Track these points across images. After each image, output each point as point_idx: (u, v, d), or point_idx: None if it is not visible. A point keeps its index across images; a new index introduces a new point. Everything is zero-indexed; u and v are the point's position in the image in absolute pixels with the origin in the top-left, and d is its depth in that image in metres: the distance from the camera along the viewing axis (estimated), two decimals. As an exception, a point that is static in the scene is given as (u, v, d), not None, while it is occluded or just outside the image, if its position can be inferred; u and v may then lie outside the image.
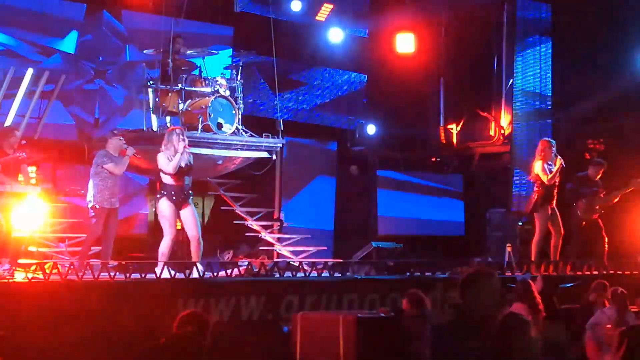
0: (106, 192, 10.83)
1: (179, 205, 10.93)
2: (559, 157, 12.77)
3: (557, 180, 12.85)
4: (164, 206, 10.86)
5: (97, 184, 10.83)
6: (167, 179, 10.93)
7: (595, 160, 13.42)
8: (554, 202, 12.79)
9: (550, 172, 12.66)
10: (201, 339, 5.87)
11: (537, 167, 12.76)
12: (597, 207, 13.21)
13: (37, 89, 13.02)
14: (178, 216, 11.01)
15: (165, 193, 10.89)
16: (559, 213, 12.85)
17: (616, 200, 13.33)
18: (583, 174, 13.35)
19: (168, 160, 10.87)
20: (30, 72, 12.91)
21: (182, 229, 14.53)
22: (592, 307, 9.83)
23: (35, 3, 13.61)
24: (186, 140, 10.99)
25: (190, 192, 11.18)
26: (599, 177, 13.25)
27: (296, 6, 15.73)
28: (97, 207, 10.79)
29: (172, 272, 10.20)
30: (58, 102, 13.53)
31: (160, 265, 10.30)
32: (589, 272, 12.34)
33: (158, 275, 9.99)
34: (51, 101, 13.24)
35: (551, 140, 13.22)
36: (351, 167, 17.00)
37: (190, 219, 11.03)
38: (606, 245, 13.08)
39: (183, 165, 10.93)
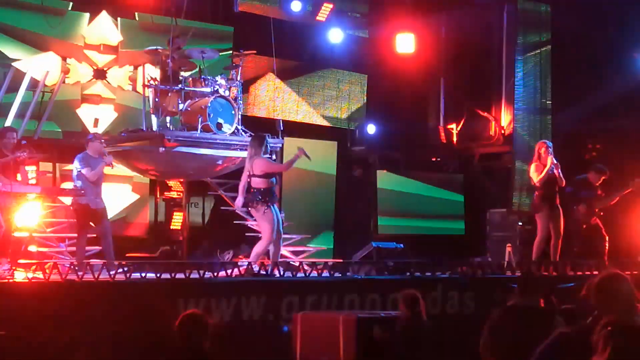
0: (90, 194, 10.83)
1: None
2: (552, 157, 12.64)
3: (558, 181, 12.79)
4: (268, 210, 11.00)
5: (80, 187, 10.83)
6: (260, 183, 11.04)
7: (597, 167, 13.21)
8: (555, 202, 12.74)
9: (540, 172, 12.62)
10: (201, 340, 5.86)
11: (531, 169, 12.76)
12: (597, 210, 13.18)
13: (37, 89, 13.02)
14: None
15: (264, 198, 11.01)
16: (561, 214, 12.81)
17: (615, 201, 13.30)
18: (582, 177, 13.22)
19: (271, 163, 11.22)
20: (30, 72, 12.90)
21: (181, 228, 14.65)
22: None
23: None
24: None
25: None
26: (599, 183, 13.18)
27: (296, 6, 15.74)
28: (79, 208, 10.82)
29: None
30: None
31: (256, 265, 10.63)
32: (589, 272, 12.31)
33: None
34: (51, 100, 13.23)
35: (547, 141, 13.17)
36: (357, 170, 16.98)
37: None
38: (607, 245, 13.05)
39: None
